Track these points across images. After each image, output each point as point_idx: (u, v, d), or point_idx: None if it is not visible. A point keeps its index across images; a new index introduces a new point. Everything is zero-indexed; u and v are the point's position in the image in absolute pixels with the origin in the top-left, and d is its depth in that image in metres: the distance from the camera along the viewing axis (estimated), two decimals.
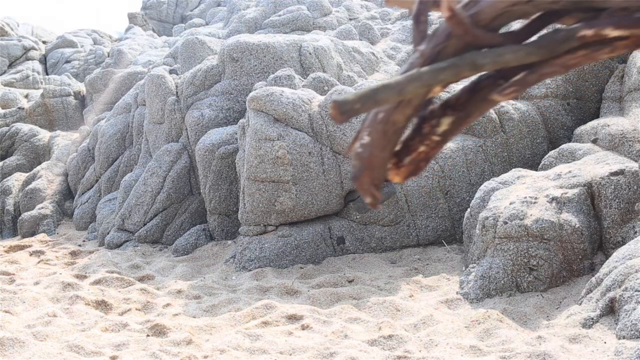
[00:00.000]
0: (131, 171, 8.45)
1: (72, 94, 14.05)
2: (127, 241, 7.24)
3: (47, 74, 17.29)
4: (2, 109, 13.74)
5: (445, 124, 1.29)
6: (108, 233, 7.50)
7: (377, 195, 1.29)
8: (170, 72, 8.77)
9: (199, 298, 4.98)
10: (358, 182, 1.29)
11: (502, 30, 1.30)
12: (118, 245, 7.21)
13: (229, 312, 4.50)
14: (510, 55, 1.21)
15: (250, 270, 5.62)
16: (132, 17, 20.70)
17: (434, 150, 1.30)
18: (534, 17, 1.30)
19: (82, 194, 9.23)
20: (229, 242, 6.61)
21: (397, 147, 1.30)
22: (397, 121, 1.25)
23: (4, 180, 10.29)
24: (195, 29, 12.91)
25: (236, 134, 6.80)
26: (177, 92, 7.96)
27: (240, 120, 6.56)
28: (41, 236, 8.19)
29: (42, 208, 9.02)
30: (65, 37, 18.82)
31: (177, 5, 22.04)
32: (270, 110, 5.99)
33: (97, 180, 9.15)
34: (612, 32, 1.19)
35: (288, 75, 6.71)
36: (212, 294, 5.07)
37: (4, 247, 7.43)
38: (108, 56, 16.38)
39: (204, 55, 8.72)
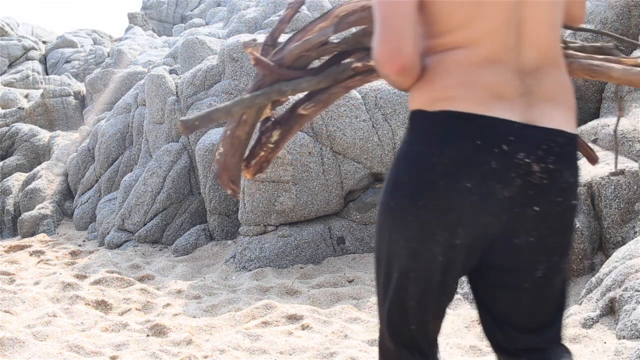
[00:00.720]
0: (131, 171, 8.46)
1: (72, 94, 14.05)
2: (127, 241, 7.24)
3: (47, 74, 17.30)
4: (2, 109, 13.74)
5: (275, 135, 1.78)
6: (108, 233, 7.50)
7: (235, 189, 1.80)
8: (170, 72, 8.77)
9: (199, 298, 4.98)
10: (219, 180, 1.80)
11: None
12: (118, 245, 7.21)
13: (229, 312, 4.50)
14: (305, 84, 1.70)
15: (250, 270, 5.62)
16: (132, 17, 20.71)
17: (271, 154, 1.80)
18: (331, 55, 1.79)
19: (82, 194, 9.24)
20: (229, 242, 6.61)
21: (247, 154, 1.81)
22: (240, 135, 1.76)
23: (4, 180, 10.30)
24: (195, 29, 12.91)
25: None
26: (177, 92, 7.97)
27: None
28: (41, 236, 8.20)
29: (42, 208, 9.03)
30: (65, 37, 18.83)
31: (177, 5, 22.05)
32: None
33: (97, 180, 9.16)
34: None
35: None
36: (212, 294, 5.06)
37: (4, 247, 7.44)
38: (108, 56, 16.38)
39: (204, 55, 8.72)
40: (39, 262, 6.65)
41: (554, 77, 1.49)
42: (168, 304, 4.79)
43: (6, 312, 4.47)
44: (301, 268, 5.55)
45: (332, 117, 6.03)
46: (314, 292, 4.83)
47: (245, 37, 7.66)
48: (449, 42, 1.46)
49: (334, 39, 1.78)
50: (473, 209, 1.42)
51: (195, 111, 7.45)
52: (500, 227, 1.45)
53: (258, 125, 1.83)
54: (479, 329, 3.81)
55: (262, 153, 1.80)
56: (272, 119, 1.81)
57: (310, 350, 3.63)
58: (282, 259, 5.70)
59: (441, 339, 3.68)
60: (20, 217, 8.97)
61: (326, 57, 1.83)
